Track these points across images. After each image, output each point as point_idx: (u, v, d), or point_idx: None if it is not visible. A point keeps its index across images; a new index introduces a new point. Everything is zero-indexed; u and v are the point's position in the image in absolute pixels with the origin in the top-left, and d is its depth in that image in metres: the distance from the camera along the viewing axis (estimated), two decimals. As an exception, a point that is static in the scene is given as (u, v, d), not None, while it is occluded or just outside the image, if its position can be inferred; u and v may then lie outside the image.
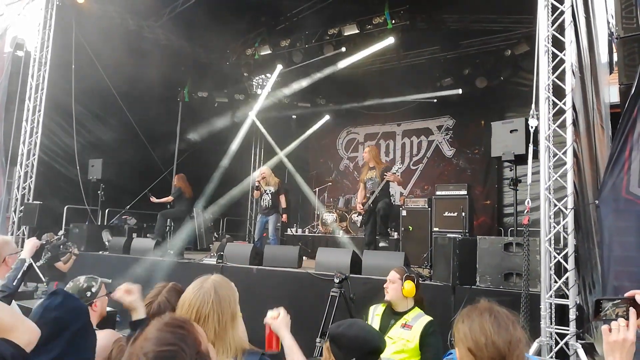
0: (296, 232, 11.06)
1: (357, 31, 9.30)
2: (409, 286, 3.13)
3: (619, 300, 1.48)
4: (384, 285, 3.27)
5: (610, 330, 1.41)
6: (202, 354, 1.09)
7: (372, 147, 7.29)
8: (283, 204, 8.11)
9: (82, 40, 8.69)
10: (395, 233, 9.39)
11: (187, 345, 1.07)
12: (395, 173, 6.62)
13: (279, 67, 10.87)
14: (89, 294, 2.44)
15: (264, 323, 2.10)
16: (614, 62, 6.33)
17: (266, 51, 10.48)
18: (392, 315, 3.19)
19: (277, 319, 2.09)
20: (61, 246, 6.50)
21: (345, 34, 9.45)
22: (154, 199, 8.74)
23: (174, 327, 1.12)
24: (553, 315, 4.20)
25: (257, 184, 8.18)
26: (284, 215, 8.18)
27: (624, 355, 1.37)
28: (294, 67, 10.79)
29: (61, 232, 6.96)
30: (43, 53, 8.56)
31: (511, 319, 1.44)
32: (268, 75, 11.97)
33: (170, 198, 8.48)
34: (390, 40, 9.20)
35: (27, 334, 1.53)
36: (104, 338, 2.18)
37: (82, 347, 1.85)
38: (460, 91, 10.22)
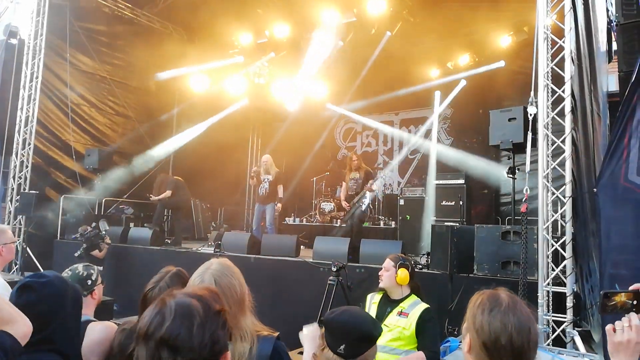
0: (294, 221, 11.05)
1: (354, 18, 9.22)
2: (403, 274, 3.13)
3: (625, 294, 1.44)
4: (379, 273, 3.28)
5: (614, 330, 1.38)
6: (224, 315, 1.14)
7: (358, 155, 8.25)
8: (280, 194, 8.10)
9: (76, 28, 8.59)
10: (393, 222, 9.39)
11: (215, 302, 1.14)
12: (373, 188, 7.37)
13: (272, 54, 10.81)
14: (89, 282, 2.37)
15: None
16: (613, 51, 6.29)
17: (263, 39, 10.39)
18: (388, 303, 3.19)
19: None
20: (94, 237, 6.84)
21: (343, 21, 9.35)
22: (153, 198, 8.72)
23: (208, 289, 1.20)
24: (550, 303, 4.22)
25: (253, 172, 8.18)
26: (279, 205, 8.15)
27: (629, 356, 1.34)
28: (290, 54, 10.71)
29: (94, 224, 7.09)
30: (37, 41, 8.45)
31: (532, 319, 1.40)
32: (265, 63, 11.88)
33: (169, 193, 8.42)
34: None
35: (23, 327, 1.53)
36: (101, 331, 2.12)
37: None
38: (464, 82, 10.15)
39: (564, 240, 4.25)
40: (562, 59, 4.47)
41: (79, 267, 2.44)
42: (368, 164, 12.01)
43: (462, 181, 8.68)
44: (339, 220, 10.33)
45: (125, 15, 9.65)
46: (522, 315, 1.38)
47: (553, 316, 4.17)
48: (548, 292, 4.24)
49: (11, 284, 2.74)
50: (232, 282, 1.78)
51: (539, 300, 4.20)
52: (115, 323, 2.22)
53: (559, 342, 4.07)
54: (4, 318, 1.49)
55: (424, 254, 6.64)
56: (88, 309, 2.33)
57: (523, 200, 4.36)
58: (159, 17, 10.11)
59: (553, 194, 4.39)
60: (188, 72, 11.17)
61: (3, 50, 8.66)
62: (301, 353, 3.32)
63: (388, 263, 3.24)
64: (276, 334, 1.83)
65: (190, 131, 11.25)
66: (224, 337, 1.12)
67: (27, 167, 8.38)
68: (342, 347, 1.80)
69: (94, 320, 2.25)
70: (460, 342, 1.55)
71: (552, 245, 4.31)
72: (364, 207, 7.30)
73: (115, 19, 9.37)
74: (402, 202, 9.11)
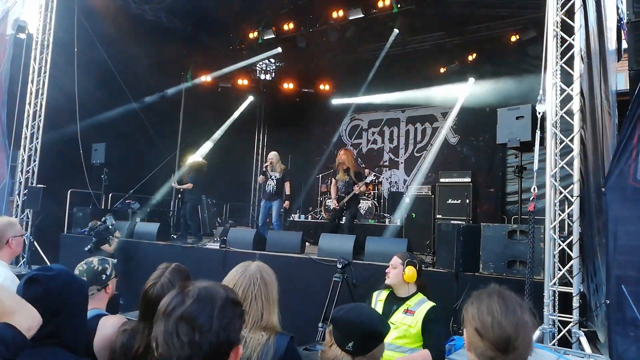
0: (299, 218, 11.06)
1: (361, 15, 9.18)
2: (410, 271, 3.12)
3: None
4: (386, 270, 3.27)
5: None
6: (242, 307, 1.20)
7: (347, 150, 7.93)
8: (287, 191, 8.09)
9: (84, 23, 8.61)
10: (398, 220, 9.37)
11: (227, 292, 1.20)
12: (364, 184, 7.38)
13: (278, 49, 10.79)
14: (104, 276, 2.35)
15: None
16: (623, 49, 6.22)
17: (270, 35, 10.36)
18: (394, 301, 3.19)
19: None
20: (104, 231, 6.89)
21: (350, 18, 9.32)
22: (176, 185, 8.70)
23: (218, 284, 1.25)
24: (556, 303, 4.20)
25: (264, 170, 8.17)
26: (287, 202, 8.15)
27: None
28: (297, 51, 10.69)
29: (103, 218, 7.12)
30: (45, 36, 8.48)
31: (519, 302, 1.45)
32: (272, 60, 11.89)
33: (190, 185, 8.33)
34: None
35: (28, 319, 1.48)
36: (113, 326, 2.08)
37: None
38: (469, 80, 10.11)
39: (571, 240, 4.22)
40: (572, 57, 4.43)
41: (95, 260, 2.40)
42: (374, 161, 12.06)
43: (468, 180, 8.66)
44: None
45: (133, 10, 9.65)
46: (508, 298, 1.43)
47: (559, 316, 4.15)
48: (554, 292, 4.21)
49: (18, 277, 2.76)
50: (273, 280, 2.04)
51: (545, 300, 4.17)
52: (126, 317, 2.21)
53: (565, 343, 4.04)
54: (5, 309, 1.44)
55: (429, 252, 6.65)
56: (101, 303, 2.32)
57: (531, 199, 4.33)
58: (166, 13, 10.11)
59: (560, 193, 4.36)
60: (195, 67, 11.22)
61: (12, 45, 8.71)
62: (305, 349, 3.33)
63: (396, 260, 3.23)
64: (290, 335, 1.98)
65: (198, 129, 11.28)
66: (239, 328, 1.16)
67: (34, 161, 8.42)
68: (350, 344, 1.80)
69: (106, 315, 2.24)
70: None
71: (559, 245, 4.28)
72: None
73: (123, 14, 9.37)
74: (407, 200, 9.09)
